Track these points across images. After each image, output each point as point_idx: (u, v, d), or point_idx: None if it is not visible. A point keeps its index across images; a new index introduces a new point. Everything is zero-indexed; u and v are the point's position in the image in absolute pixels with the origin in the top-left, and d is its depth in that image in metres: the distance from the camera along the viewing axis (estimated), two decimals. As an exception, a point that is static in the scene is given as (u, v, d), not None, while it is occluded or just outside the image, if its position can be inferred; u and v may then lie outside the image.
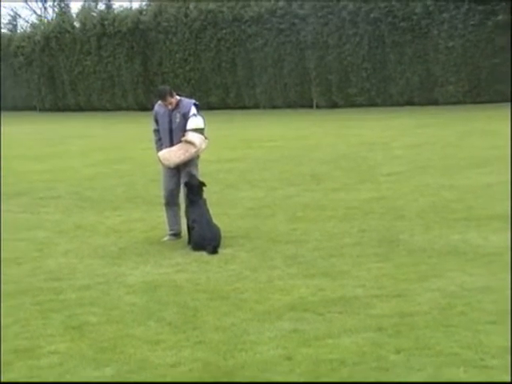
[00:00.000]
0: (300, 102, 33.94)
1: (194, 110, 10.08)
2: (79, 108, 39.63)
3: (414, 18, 30.42)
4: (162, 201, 10.37)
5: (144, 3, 38.98)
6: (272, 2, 33.74)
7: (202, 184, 9.98)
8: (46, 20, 45.99)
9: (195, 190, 9.85)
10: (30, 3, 57.29)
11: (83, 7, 39.82)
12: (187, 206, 9.89)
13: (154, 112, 10.34)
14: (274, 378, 5.47)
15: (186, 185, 9.90)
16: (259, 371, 5.59)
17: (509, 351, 5.67)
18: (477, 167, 14.60)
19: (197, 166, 10.23)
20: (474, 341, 5.95)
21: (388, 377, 5.38)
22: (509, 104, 25.59)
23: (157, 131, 10.29)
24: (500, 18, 28.78)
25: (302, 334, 6.32)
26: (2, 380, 5.12)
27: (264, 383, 5.42)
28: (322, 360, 5.72)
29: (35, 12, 55.39)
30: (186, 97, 10.63)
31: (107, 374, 5.71)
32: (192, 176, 9.95)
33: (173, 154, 9.97)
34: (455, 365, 5.51)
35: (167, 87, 10.47)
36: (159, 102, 10.24)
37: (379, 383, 5.31)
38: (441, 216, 10.63)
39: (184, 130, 9.99)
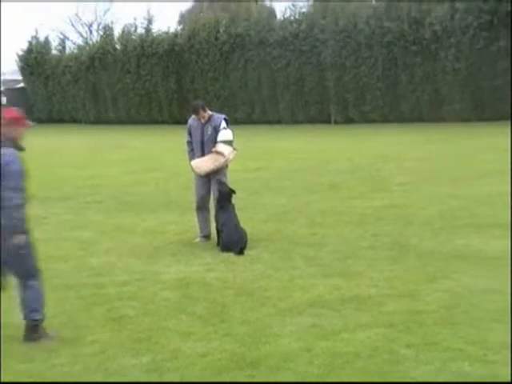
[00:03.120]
0: (319, 117, 33.89)
1: (224, 124, 10.09)
2: (119, 121, 39.78)
3: (424, 42, 30.34)
4: (194, 206, 10.37)
5: (179, 28, 39.14)
6: (295, 26, 33.78)
7: (232, 191, 9.97)
8: (91, 42, 46.21)
9: (225, 196, 9.85)
10: (76, 27, 57.70)
11: (124, 31, 40.02)
12: (217, 211, 9.88)
13: (188, 125, 10.36)
14: (294, 368, 5.46)
15: (218, 192, 9.89)
16: (281, 361, 5.58)
17: (509, 347, 5.62)
18: (480, 178, 14.51)
19: (226, 174, 10.22)
20: (477, 337, 5.91)
21: (398, 369, 5.35)
22: (509, 122, 25.42)
23: (190, 143, 10.30)
24: (502, 43, 28.65)
25: (321, 328, 6.30)
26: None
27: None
28: (339, 353, 5.70)
29: (81, 35, 55.76)
30: (217, 112, 10.63)
31: (143, 361, 5.72)
32: (223, 184, 9.94)
33: (204, 163, 9.99)
34: (460, 359, 5.48)
35: (200, 102, 10.44)
36: (193, 116, 10.26)
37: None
38: (447, 223, 10.58)
39: (214, 142, 10.00)
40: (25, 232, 6.16)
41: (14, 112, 6.38)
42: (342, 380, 5.21)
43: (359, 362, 5.52)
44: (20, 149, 6.26)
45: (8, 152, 6.11)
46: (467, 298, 6.96)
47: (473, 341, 5.83)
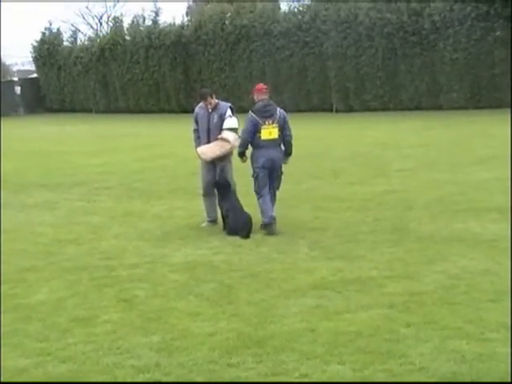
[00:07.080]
0: (321, 106, 33.79)
1: (229, 112, 10.08)
2: (129, 110, 39.72)
3: (423, 32, 30.19)
4: (201, 191, 10.37)
5: (186, 19, 39.08)
6: (298, 18, 33.65)
7: (228, 184, 9.90)
8: (101, 34, 46.08)
9: (222, 187, 9.83)
10: (87, 19, 57.60)
11: (133, 23, 39.90)
12: (219, 200, 9.88)
13: (194, 113, 10.35)
14: (299, 346, 5.46)
15: (215, 183, 9.87)
16: (286, 341, 5.58)
17: (507, 327, 5.62)
18: (477, 164, 14.48)
19: (231, 161, 10.21)
20: (475, 317, 5.91)
21: (399, 347, 5.35)
22: (506, 110, 25.35)
23: (196, 130, 10.29)
24: (499, 33, 28.51)
25: (324, 309, 6.31)
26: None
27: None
28: (341, 332, 5.71)
29: (92, 27, 55.66)
30: (222, 101, 10.62)
31: (154, 340, 5.73)
32: (221, 175, 9.90)
33: (209, 150, 9.98)
34: (458, 337, 5.48)
35: (208, 90, 10.62)
36: (200, 104, 10.24)
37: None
38: (445, 207, 10.56)
39: (220, 129, 9.99)
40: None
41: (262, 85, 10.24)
42: (344, 358, 5.21)
43: (361, 340, 5.52)
44: None
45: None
46: (465, 280, 6.96)
47: (470, 320, 5.83)
